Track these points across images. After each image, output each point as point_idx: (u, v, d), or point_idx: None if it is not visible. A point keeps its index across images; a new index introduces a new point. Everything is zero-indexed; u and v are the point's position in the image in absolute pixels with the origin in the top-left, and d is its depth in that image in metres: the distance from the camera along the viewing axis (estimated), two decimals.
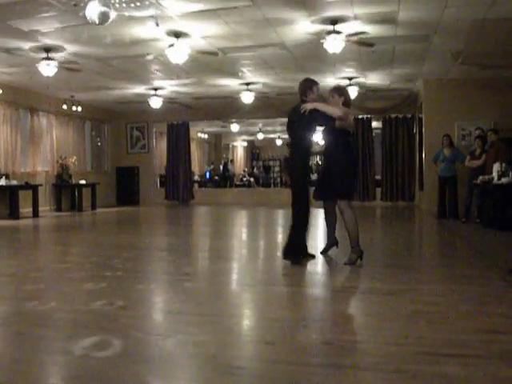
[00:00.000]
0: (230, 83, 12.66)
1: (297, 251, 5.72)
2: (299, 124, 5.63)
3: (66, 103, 14.19)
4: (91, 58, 9.88)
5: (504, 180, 8.67)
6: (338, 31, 8.02)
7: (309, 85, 5.77)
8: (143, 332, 3.39)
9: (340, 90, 5.95)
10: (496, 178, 8.88)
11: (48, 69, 9.50)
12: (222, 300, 4.31)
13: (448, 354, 2.87)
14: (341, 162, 5.68)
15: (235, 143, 28.24)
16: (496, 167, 8.99)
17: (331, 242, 6.16)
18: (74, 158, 14.79)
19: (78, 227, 11.34)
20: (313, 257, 5.93)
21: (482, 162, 9.95)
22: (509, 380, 2.53)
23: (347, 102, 5.85)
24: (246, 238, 9.36)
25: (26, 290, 4.60)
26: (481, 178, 9.37)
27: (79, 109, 14.61)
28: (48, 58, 9.32)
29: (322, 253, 6.16)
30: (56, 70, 9.58)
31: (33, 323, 3.57)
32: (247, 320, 3.89)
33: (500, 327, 3.38)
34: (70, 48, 9.13)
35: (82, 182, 14.74)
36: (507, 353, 2.89)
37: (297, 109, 5.67)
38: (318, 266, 5.85)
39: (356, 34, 8.31)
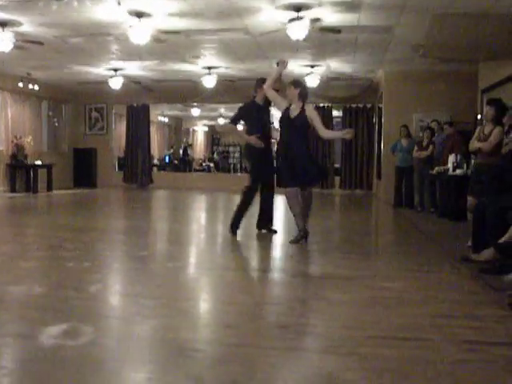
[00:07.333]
0: (191, 67, 12.50)
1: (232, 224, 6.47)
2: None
3: (22, 81, 13.76)
4: (49, 35, 9.58)
5: (458, 171, 8.87)
6: (302, 17, 7.99)
7: (259, 83, 6.52)
8: (99, 315, 3.34)
9: (296, 83, 6.27)
10: (451, 170, 9.07)
11: (3, 44, 9.16)
12: (179, 283, 4.28)
13: (403, 337, 2.94)
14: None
15: (196, 127, 28.02)
16: (451, 159, 9.18)
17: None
18: (30, 137, 14.38)
19: (32, 209, 11.08)
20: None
21: (429, 153, 10.16)
22: (460, 362, 2.60)
23: (303, 94, 6.11)
24: (204, 222, 9.35)
25: None
26: (436, 168, 9.57)
27: (36, 87, 14.17)
28: (3, 33, 8.98)
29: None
30: (12, 45, 9.24)
31: None
32: (205, 303, 3.89)
33: (452, 312, 3.48)
34: (27, 23, 8.81)
35: (38, 162, 14.35)
36: (458, 336, 2.97)
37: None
38: (276, 252, 5.89)
39: (318, 19, 8.30)
